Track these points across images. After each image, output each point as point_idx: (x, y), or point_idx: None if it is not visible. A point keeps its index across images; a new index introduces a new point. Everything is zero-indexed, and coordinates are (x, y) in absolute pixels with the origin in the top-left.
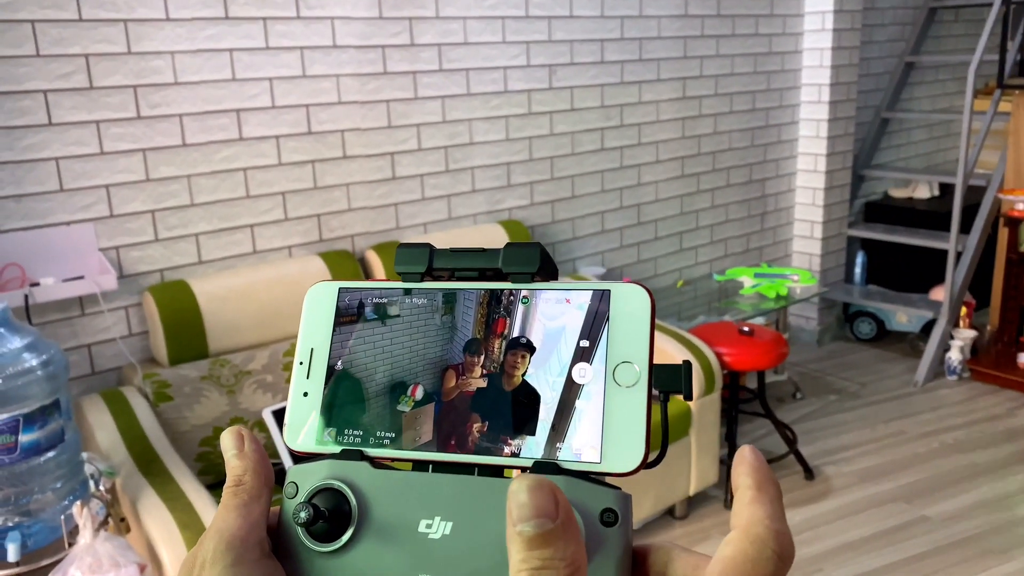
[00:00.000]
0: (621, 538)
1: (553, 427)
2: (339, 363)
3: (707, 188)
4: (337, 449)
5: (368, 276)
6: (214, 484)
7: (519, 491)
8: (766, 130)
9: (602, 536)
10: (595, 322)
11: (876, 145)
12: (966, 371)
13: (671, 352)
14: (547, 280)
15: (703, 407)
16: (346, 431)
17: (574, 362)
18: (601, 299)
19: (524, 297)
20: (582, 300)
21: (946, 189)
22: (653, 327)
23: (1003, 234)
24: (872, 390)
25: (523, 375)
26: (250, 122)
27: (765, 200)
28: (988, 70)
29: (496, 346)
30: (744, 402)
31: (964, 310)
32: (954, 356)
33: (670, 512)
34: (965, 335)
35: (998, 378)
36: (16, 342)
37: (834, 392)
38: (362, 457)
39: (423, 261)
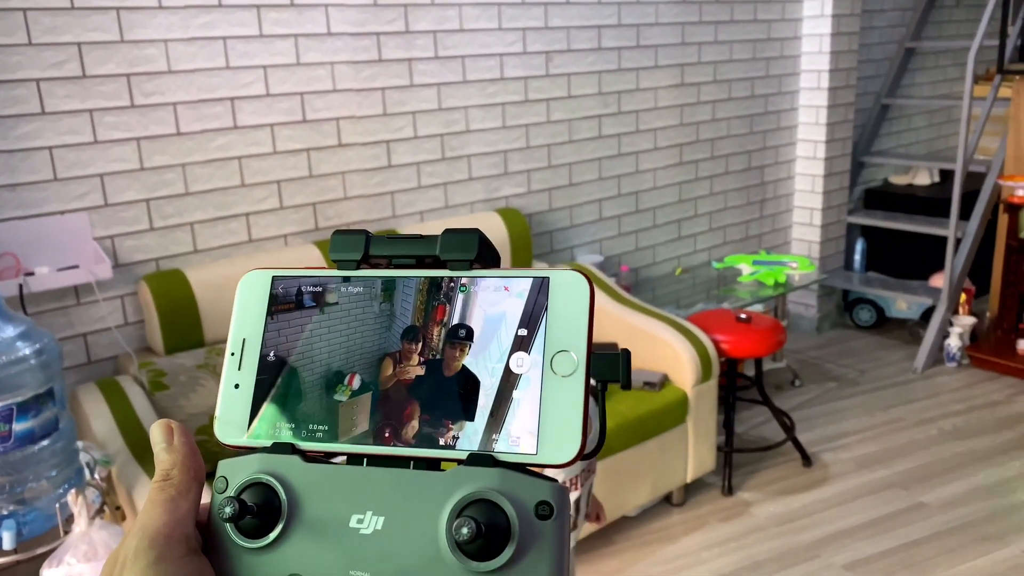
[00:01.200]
0: (557, 531)
1: (492, 414)
2: (272, 353)
3: (706, 175)
4: (268, 443)
5: None
6: (211, 473)
7: None
8: (765, 117)
9: (537, 529)
10: (534, 310)
11: (876, 131)
12: (965, 358)
13: (668, 339)
14: (487, 267)
15: (700, 394)
16: (277, 424)
17: (512, 351)
18: (540, 287)
19: (463, 284)
20: (521, 288)
21: (946, 176)
22: (592, 315)
23: (1003, 220)
24: (871, 377)
25: (462, 362)
26: (244, 110)
27: (764, 187)
28: (988, 55)
29: (435, 333)
30: (742, 389)
31: (963, 297)
32: (953, 343)
33: (667, 499)
34: (964, 322)
35: (997, 364)
36: (9, 331)
37: (833, 379)
38: (294, 451)
39: (359, 248)
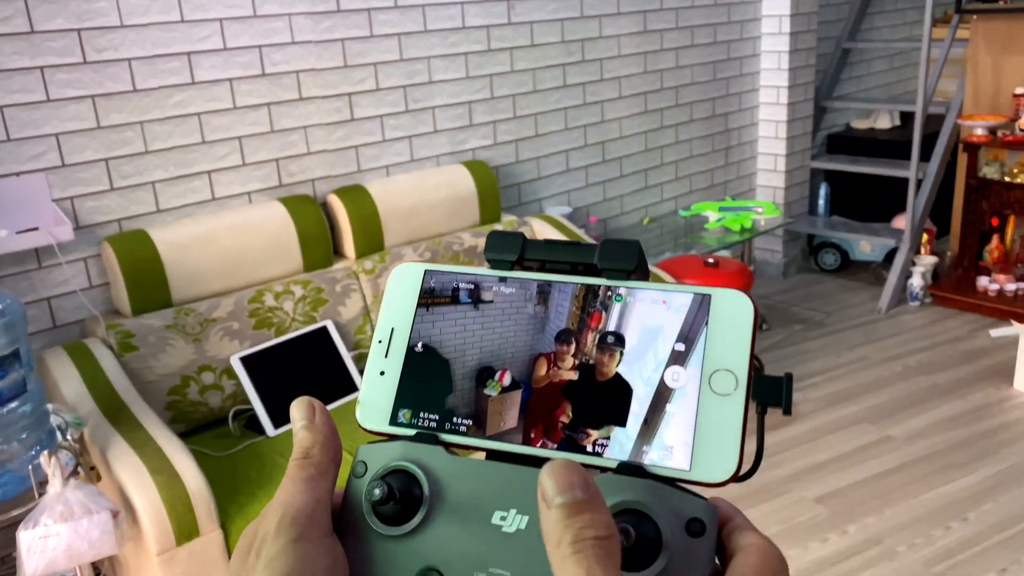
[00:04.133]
0: (707, 550)
1: (645, 422)
2: (420, 344)
3: (671, 124)
4: (411, 432)
5: (331, 220)
6: (186, 432)
7: (547, 474)
8: (728, 63)
9: (687, 546)
10: (692, 326)
11: (837, 76)
12: (928, 296)
13: None
14: (641, 279)
15: None
16: (422, 414)
17: (668, 365)
18: (700, 304)
19: (619, 294)
20: (680, 303)
21: (907, 118)
22: (755, 337)
23: (962, 160)
24: (837, 319)
25: (615, 369)
26: (202, 65)
27: (728, 134)
28: None
29: (589, 339)
30: None
31: (925, 237)
32: (916, 282)
33: None
34: (926, 261)
35: (958, 302)
36: None
37: (799, 322)
38: (437, 442)
39: (515, 250)
